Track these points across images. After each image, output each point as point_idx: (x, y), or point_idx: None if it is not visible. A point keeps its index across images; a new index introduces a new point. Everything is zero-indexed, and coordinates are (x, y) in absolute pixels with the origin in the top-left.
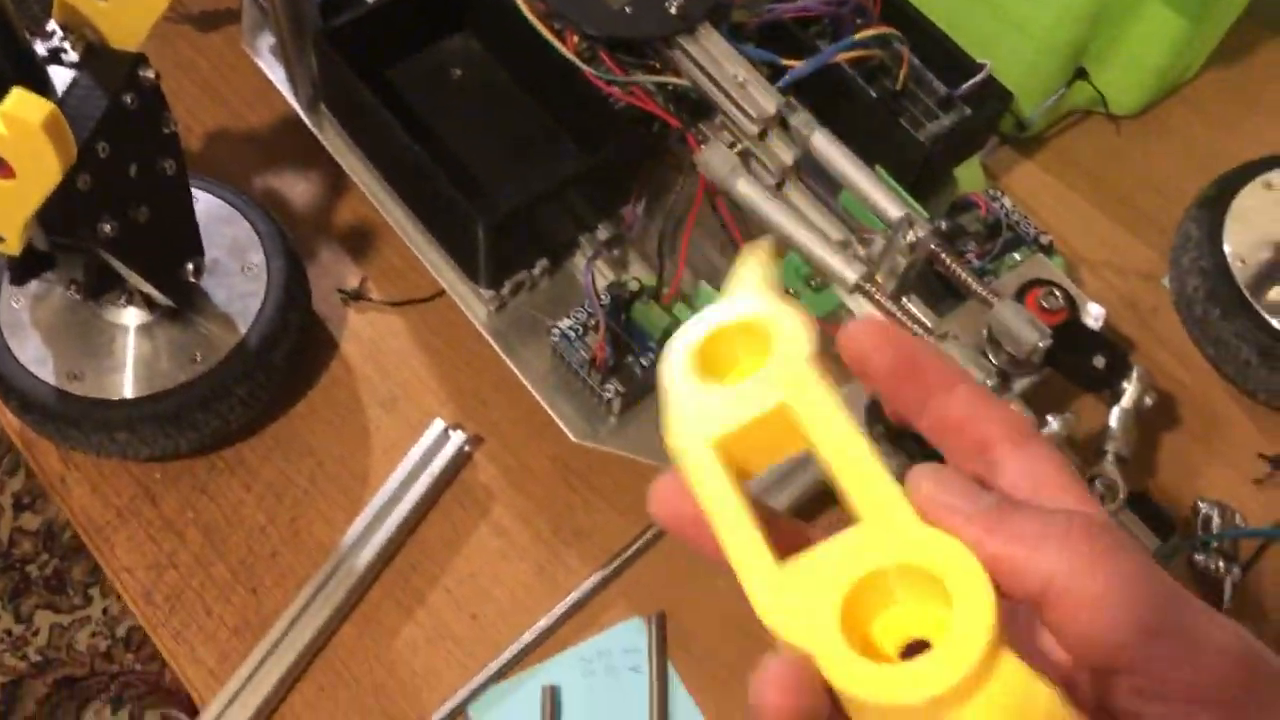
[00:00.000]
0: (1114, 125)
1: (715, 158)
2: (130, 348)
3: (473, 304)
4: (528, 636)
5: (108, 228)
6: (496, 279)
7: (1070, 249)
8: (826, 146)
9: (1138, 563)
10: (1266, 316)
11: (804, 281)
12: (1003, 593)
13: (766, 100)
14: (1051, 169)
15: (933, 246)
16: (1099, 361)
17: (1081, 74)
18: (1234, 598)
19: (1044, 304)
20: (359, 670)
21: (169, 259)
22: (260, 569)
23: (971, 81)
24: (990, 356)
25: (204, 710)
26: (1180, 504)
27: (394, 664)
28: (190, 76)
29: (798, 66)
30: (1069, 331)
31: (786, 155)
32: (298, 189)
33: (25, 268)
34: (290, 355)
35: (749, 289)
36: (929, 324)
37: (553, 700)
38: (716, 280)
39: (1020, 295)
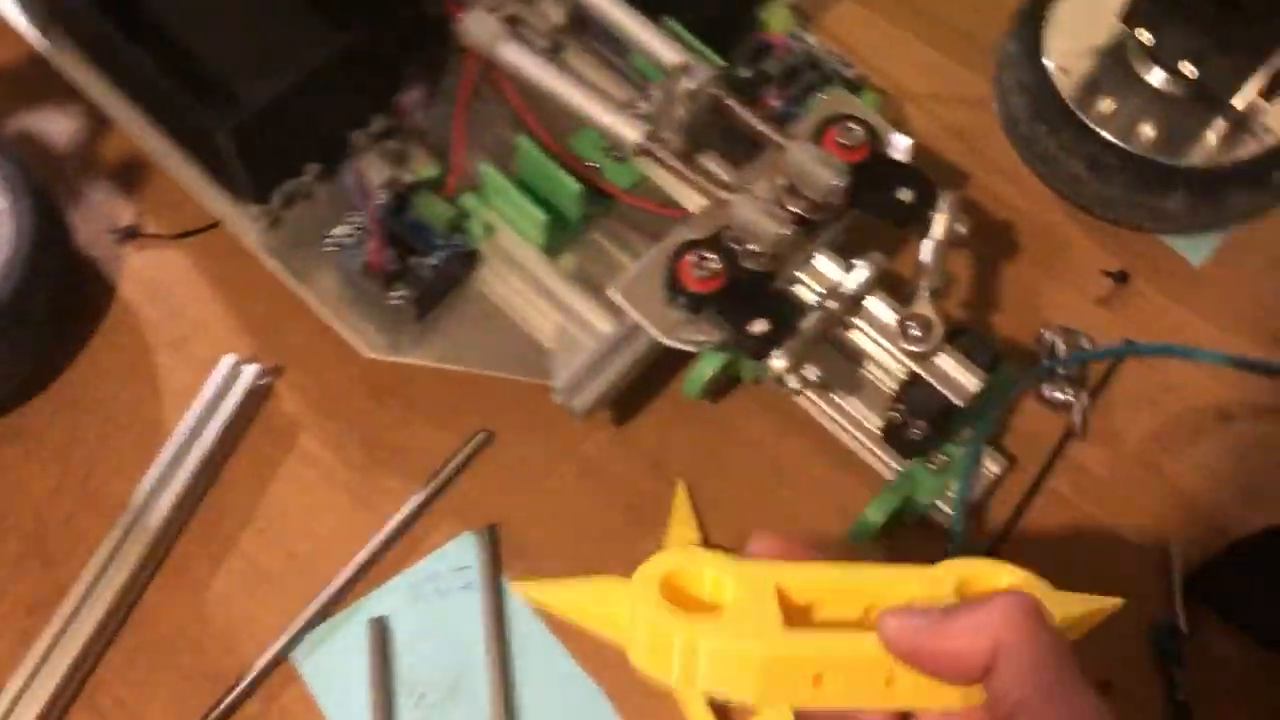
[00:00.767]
0: None
1: (475, 25)
2: None
3: (242, 224)
4: (349, 569)
5: None
6: (260, 191)
7: (894, 84)
8: None
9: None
10: (1093, 126)
11: (604, 153)
12: (962, 675)
13: None
14: (866, 1)
15: (714, 92)
16: (905, 195)
17: None
18: (1085, 425)
19: (842, 141)
20: (169, 630)
21: None
22: (53, 539)
23: None
24: (789, 205)
25: None
26: (1028, 334)
27: (209, 618)
28: None
29: None
30: (872, 167)
31: (557, 14)
32: (55, 128)
33: None
34: (51, 305)
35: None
36: (726, 179)
37: (380, 632)
38: (507, 161)
39: (817, 135)
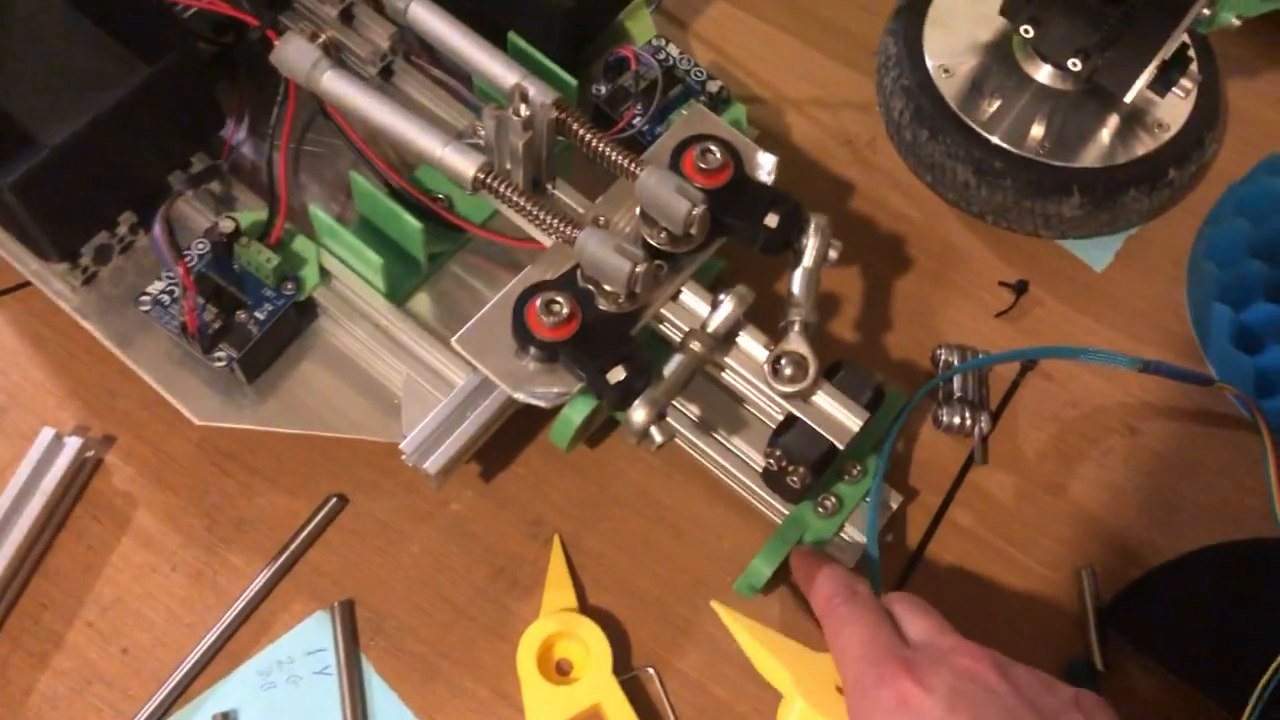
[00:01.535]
0: None
1: (290, 52)
2: None
3: (52, 283)
4: (190, 661)
5: None
6: (66, 247)
7: (773, 90)
8: (425, 17)
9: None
10: (979, 130)
11: (456, 184)
12: None
13: None
14: (742, 3)
15: (555, 117)
16: (771, 220)
17: None
18: (986, 450)
19: (701, 164)
20: None
21: None
22: None
23: None
24: (647, 238)
25: None
26: (923, 353)
27: None
28: None
29: None
30: (734, 190)
31: (380, 37)
32: None
33: None
34: None
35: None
36: (580, 210)
37: None
38: (340, 198)
39: (676, 158)
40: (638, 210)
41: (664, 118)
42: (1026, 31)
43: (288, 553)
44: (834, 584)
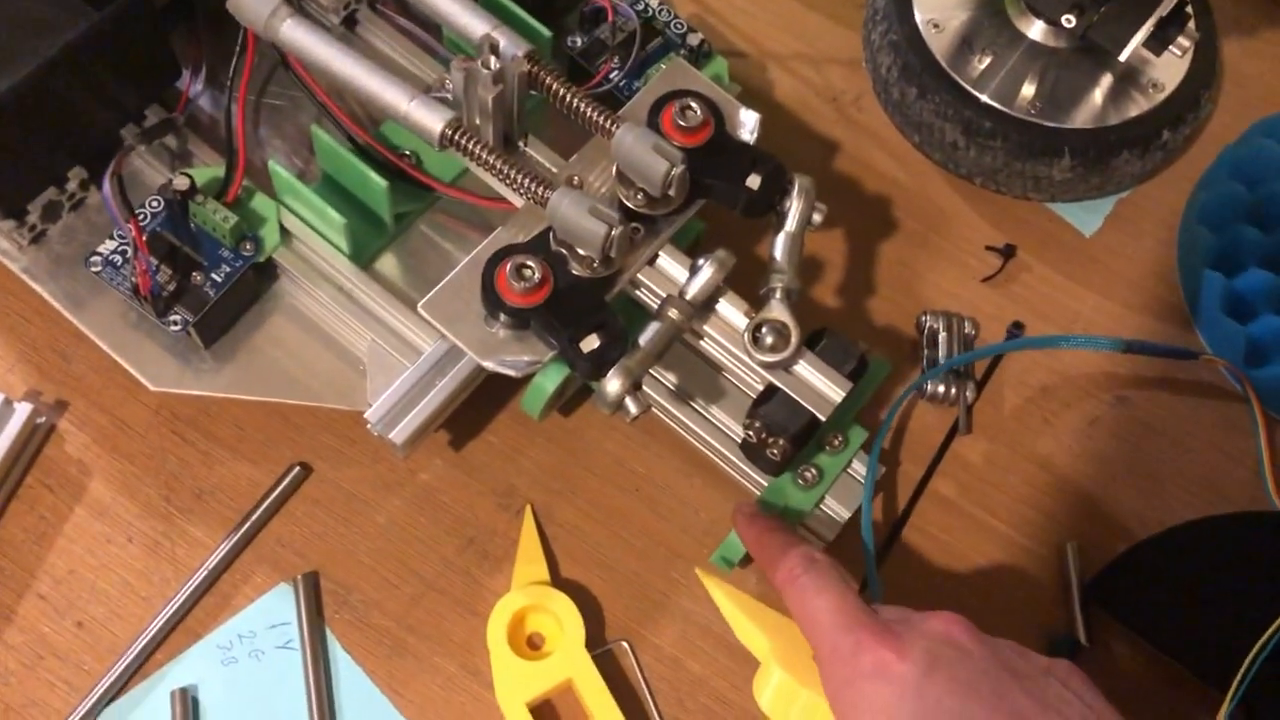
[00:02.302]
0: None
1: None
2: None
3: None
4: (147, 635)
5: None
6: (12, 205)
7: (755, 44)
8: None
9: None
10: (967, 87)
11: (424, 141)
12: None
13: None
14: None
15: (526, 70)
16: (753, 182)
17: None
18: (971, 420)
19: (680, 122)
20: None
21: None
22: None
23: None
24: (624, 199)
25: None
26: (908, 319)
27: None
28: None
29: None
30: (715, 150)
31: None
32: None
33: None
34: None
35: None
36: (554, 169)
37: (185, 706)
38: (303, 153)
39: (655, 115)
40: (614, 170)
41: (642, 72)
42: None
43: (249, 523)
44: (792, 555)
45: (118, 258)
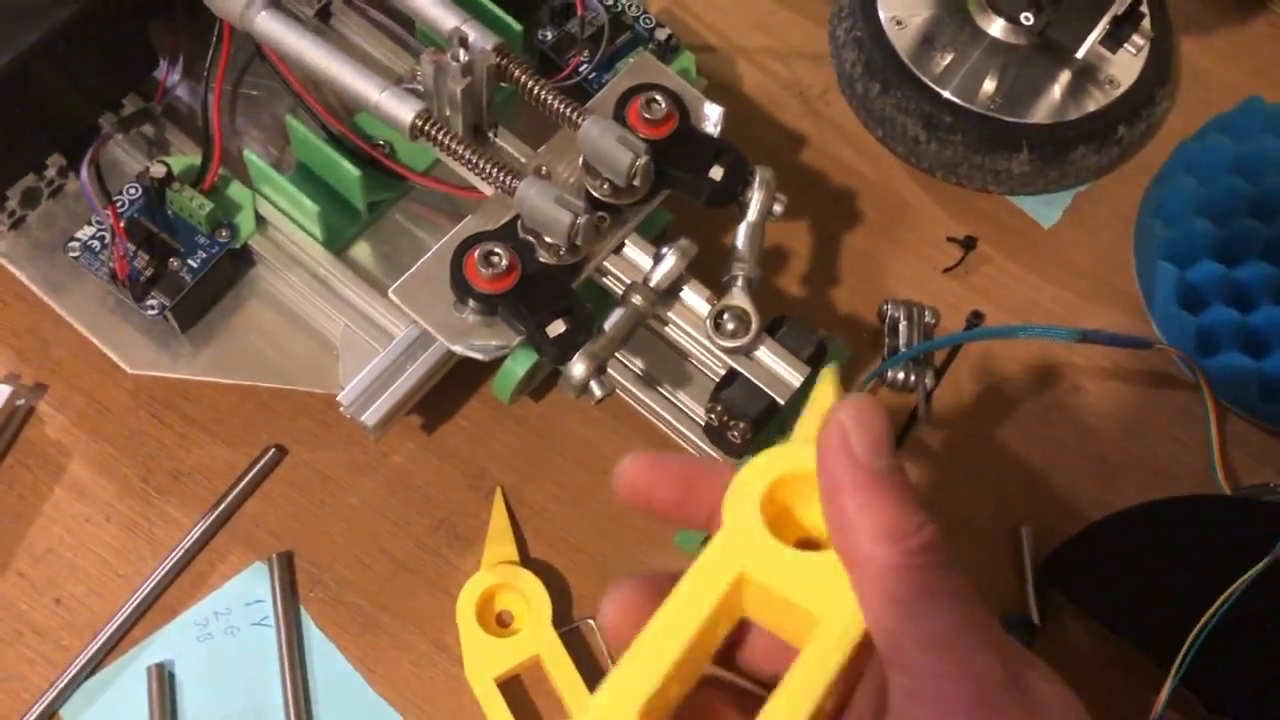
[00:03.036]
0: None
1: None
2: None
3: None
4: (124, 612)
5: None
6: None
7: (724, 39)
8: None
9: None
10: (930, 84)
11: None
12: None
13: None
14: None
15: (495, 63)
16: (715, 173)
17: None
18: (930, 407)
19: (646, 115)
20: None
21: None
22: None
23: None
24: (590, 189)
25: None
26: (870, 308)
27: None
28: None
29: None
30: (679, 142)
31: None
32: None
33: None
34: None
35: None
36: (522, 160)
37: (161, 681)
38: (279, 142)
39: (621, 107)
40: (581, 161)
41: (611, 66)
42: None
43: (225, 504)
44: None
45: (96, 243)
